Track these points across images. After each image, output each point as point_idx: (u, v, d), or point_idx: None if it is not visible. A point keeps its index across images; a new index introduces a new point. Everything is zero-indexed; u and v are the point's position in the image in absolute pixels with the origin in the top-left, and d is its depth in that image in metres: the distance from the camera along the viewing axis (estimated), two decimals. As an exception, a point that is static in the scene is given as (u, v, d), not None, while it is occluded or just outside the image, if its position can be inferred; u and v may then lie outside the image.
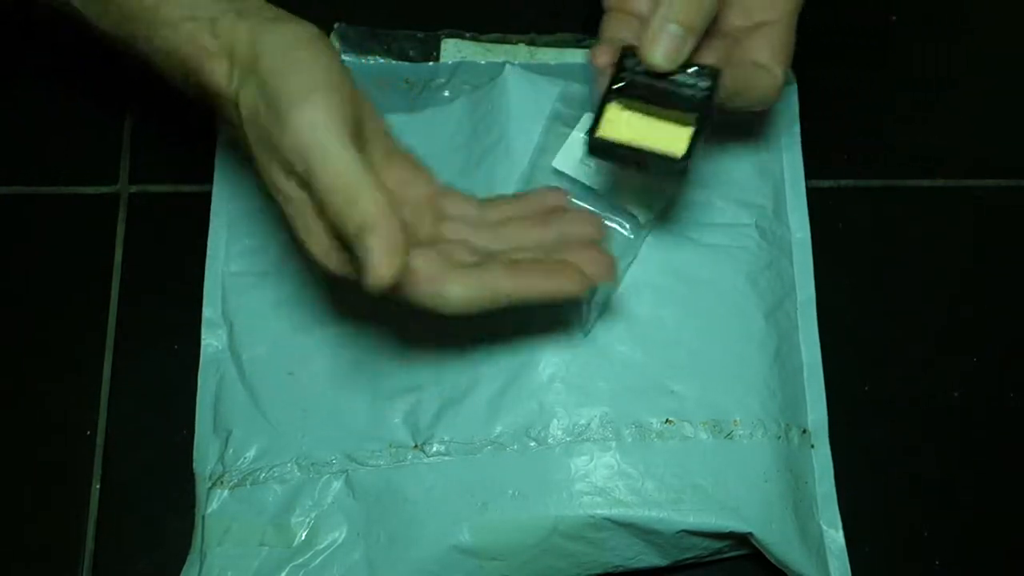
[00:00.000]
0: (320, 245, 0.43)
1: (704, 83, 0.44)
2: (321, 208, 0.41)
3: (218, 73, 0.42)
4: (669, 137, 0.44)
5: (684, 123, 0.44)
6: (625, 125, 0.45)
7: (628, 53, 0.45)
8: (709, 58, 0.46)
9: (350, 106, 0.41)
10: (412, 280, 0.41)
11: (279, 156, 0.41)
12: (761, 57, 0.47)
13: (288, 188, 0.42)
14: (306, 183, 0.40)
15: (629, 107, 0.45)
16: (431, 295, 0.41)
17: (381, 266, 0.39)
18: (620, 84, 0.45)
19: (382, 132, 0.45)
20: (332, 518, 0.50)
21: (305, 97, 0.40)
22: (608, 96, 0.45)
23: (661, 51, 0.43)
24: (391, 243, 0.39)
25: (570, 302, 0.46)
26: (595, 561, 0.49)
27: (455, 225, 0.45)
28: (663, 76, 0.45)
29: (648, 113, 0.45)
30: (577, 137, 0.52)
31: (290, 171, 0.41)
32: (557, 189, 0.48)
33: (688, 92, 0.44)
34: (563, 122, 0.53)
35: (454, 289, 0.41)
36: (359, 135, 0.42)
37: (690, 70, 0.45)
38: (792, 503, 0.50)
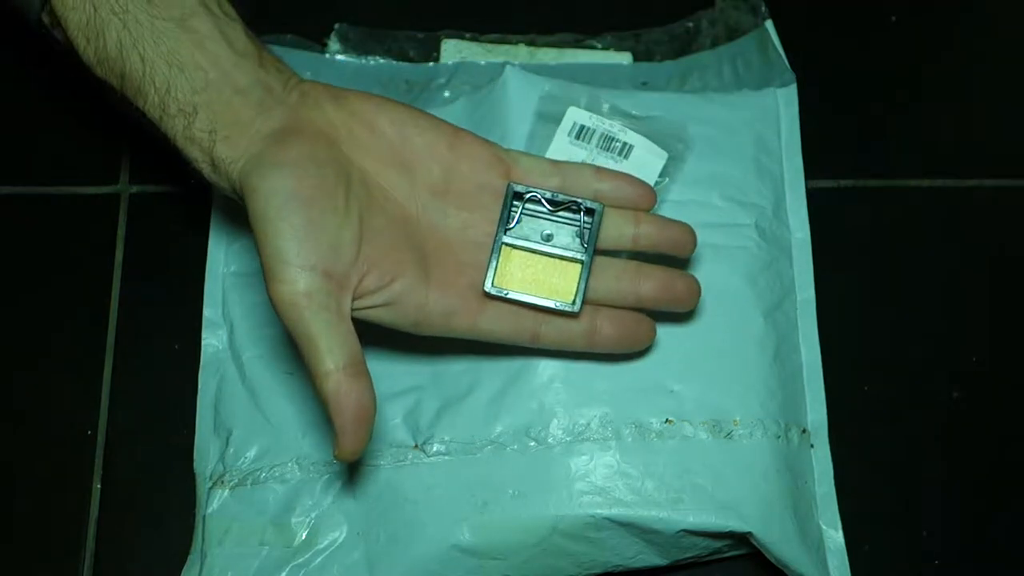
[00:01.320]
0: None
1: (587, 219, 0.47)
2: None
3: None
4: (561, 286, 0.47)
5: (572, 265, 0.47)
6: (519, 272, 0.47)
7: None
8: None
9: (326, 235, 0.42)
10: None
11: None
12: None
13: None
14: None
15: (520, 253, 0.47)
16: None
17: (342, 445, 0.41)
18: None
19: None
20: (332, 518, 0.50)
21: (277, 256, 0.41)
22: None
23: None
24: (350, 421, 0.41)
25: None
26: (595, 561, 0.49)
27: None
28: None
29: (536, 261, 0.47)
30: (562, 134, 0.52)
31: None
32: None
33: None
34: (548, 120, 0.53)
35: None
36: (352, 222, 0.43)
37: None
38: (792, 503, 0.50)
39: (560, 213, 0.47)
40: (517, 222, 0.47)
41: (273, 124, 0.43)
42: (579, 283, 0.46)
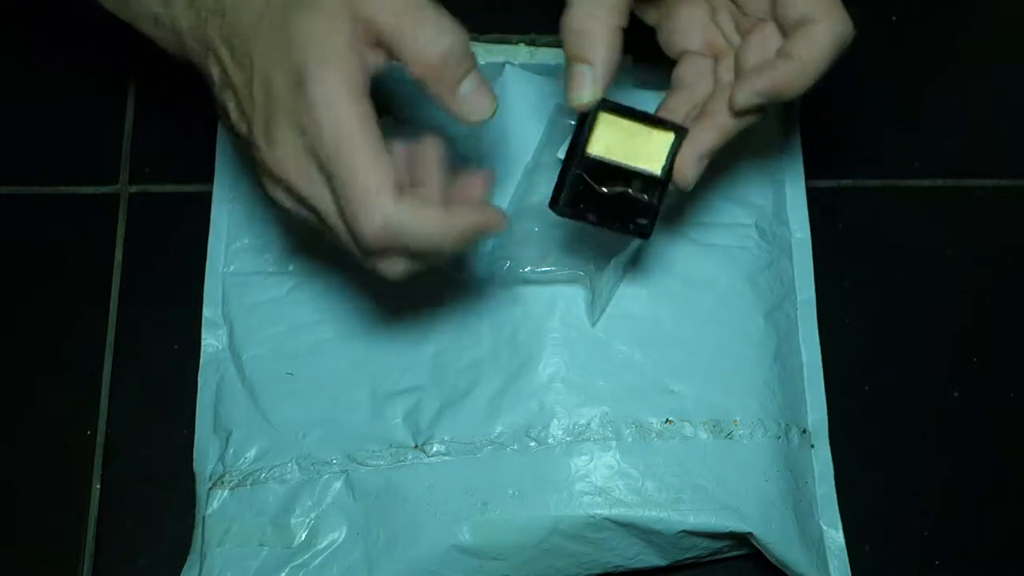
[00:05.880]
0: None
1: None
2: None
3: (210, 68, 0.41)
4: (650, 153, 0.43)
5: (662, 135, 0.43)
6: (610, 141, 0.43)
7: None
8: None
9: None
10: (351, 185, 0.38)
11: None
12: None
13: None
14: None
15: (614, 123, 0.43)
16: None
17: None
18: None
19: None
20: (332, 518, 0.50)
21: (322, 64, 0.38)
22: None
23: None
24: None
25: None
26: (595, 561, 0.49)
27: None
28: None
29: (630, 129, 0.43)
30: None
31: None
32: None
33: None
34: (568, 114, 0.53)
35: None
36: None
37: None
38: (792, 503, 0.50)
39: None
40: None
41: None
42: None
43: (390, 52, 0.40)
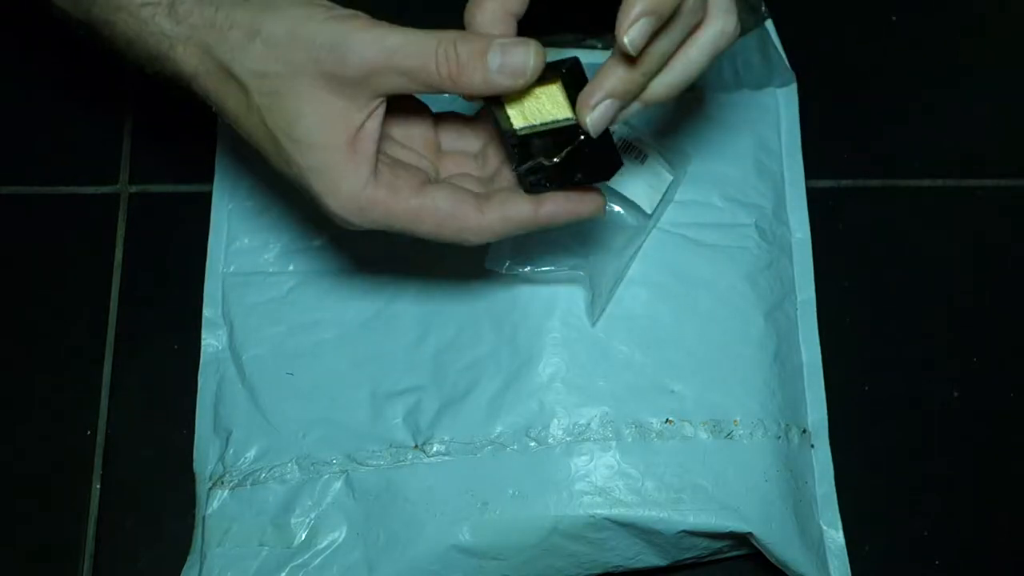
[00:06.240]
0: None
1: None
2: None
3: (185, 62, 0.41)
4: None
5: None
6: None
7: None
8: None
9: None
10: (436, 218, 0.41)
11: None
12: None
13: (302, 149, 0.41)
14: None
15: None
16: (457, 231, 0.41)
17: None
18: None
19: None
20: (332, 518, 0.50)
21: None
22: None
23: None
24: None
25: (592, 220, 0.45)
26: (595, 561, 0.49)
27: (456, 159, 0.45)
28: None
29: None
30: None
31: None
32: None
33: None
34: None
35: (484, 220, 0.41)
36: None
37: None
38: (792, 503, 0.50)
39: None
40: None
41: None
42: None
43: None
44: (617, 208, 0.52)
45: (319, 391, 0.52)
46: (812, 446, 0.53)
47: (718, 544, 0.50)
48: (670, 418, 0.50)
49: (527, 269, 0.50)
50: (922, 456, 0.55)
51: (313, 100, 0.39)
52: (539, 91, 0.42)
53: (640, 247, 0.52)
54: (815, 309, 0.55)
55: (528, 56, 0.40)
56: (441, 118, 0.45)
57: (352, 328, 0.52)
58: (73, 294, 0.56)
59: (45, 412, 0.54)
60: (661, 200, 0.52)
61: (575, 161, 0.42)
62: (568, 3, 0.63)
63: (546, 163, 0.42)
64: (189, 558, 0.51)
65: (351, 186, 0.40)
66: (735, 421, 0.50)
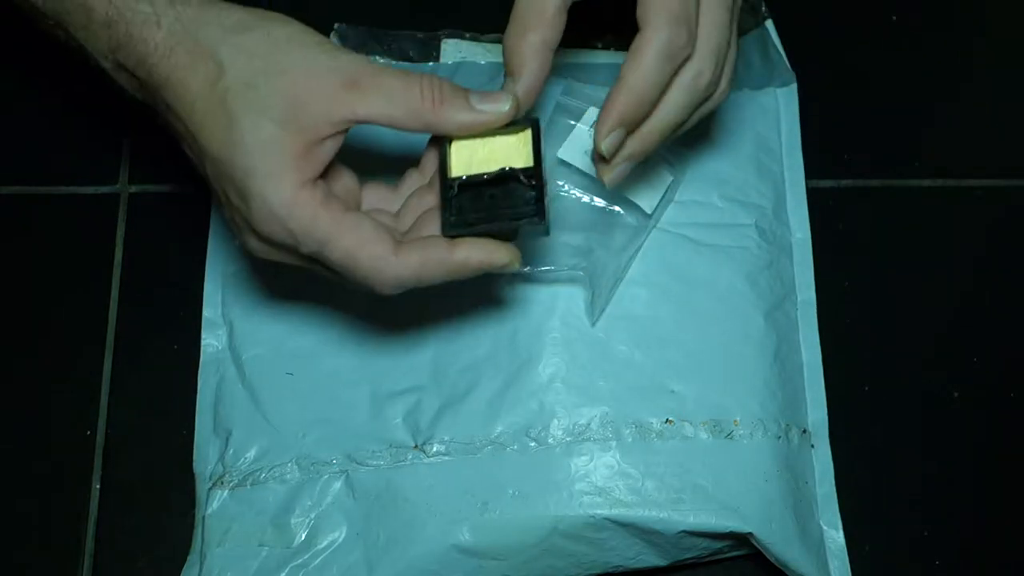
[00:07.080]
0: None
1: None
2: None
3: (160, 41, 0.41)
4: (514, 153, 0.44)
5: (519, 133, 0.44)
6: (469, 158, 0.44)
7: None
8: None
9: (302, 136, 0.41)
10: (358, 237, 0.41)
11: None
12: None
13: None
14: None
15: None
16: (372, 258, 0.41)
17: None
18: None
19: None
20: (331, 518, 0.50)
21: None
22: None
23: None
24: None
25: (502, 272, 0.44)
26: (595, 561, 0.49)
27: (375, 214, 0.45)
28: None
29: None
30: (582, 129, 0.52)
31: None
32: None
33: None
34: (568, 114, 0.53)
35: (400, 254, 0.41)
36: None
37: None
38: (792, 503, 0.50)
39: None
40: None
41: None
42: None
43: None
44: (617, 208, 0.52)
45: (319, 391, 0.52)
46: (812, 446, 0.53)
47: (718, 544, 0.50)
48: (670, 418, 0.50)
49: (527, 269, 0.50)
50: (922, 456, 0.55)
51: (294, 96, 0.40)
52: (495, 140, 0.44)
53: (640, 247, 0.52)
54: (815, 309, 0.55)
55: (505, 103, 0.43)
56: (366, 182, 0.46)
57: (352, 328, 0.52)
58: (73, 294, 0.56)
59: (45, 412, 0.54)
60: (661, 200, 0.52)
61: (507, 203, 0.43)
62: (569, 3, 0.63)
63: (469, 206, 0.43)
64: (189, 558, 0.51)
65: (293, 179, 0.40)
66: (735, 421, 0.50)
